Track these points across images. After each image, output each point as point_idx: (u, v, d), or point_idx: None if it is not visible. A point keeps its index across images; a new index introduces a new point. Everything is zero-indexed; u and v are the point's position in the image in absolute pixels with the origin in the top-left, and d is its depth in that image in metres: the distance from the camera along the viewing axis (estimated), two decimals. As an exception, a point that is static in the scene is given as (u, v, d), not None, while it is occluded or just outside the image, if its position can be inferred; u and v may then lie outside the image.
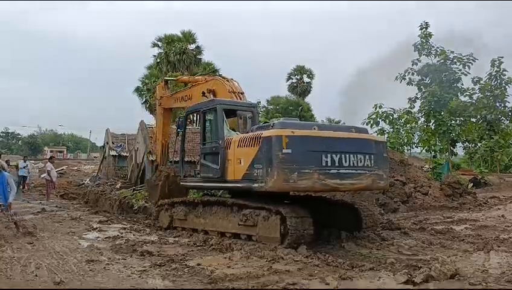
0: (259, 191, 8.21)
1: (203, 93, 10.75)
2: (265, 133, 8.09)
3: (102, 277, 6.01)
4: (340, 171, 8.08)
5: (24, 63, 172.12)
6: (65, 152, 77.29)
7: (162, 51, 42.27)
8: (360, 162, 8.31)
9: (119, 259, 7.23)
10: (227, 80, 10.91)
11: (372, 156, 8.48)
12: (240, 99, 10.46)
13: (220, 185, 9.56)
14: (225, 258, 7.33)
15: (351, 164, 8.20)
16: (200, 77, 12.01)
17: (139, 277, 6.07)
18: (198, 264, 6.74)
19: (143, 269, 6.49)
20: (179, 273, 6.27)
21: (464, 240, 8.71)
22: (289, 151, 7.72)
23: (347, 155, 8.15)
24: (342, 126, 11.00)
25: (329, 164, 7.98)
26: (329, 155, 7.98)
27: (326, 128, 8.81)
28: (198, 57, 42.87)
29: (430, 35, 26.90)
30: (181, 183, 11.00)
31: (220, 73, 11.54)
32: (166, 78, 15.26)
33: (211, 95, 10.59)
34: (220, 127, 9.40)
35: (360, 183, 8.35)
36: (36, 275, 6.07)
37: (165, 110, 13.56)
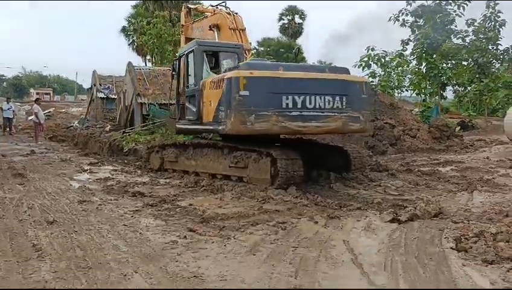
0: (222, 134, 8.44)
1: (210, 27, 10.59)
2: (228, 74, 7.99)
3: (95, 217, 6.11)
4: (303, 113, 7.87)
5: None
6: (51, 94, 76.07)
7: (149, -13, 40.63)
8: (328, 103, 8.04)
9: (111, 199, 7.32)
10: (229, 14, 10.50)
11: (344, 98, 8.17)
12: (240, 36, 10.14)
13: (198, 127, 9.60)
14: (216, 198, 7.47)
15: (317, 106, 7.95)
16: (210, 8, 11.53)
17: (132, 216, 6.18)
18: (190, 205, 6.85)
19: (135, 209, 6.59)
20: (171, 213, 6.39)
21: (449, 181, 8.93)
22: (246, 93, 7.63)
23: (312, 97, 7.90)
24: (314, 66, 10.41)
25: (290, 106, 7.80)
26: (290, 97, 7.78)
27: (294, 68, 8.49)
28: (189, -7, 41.27)
29: (426, -26, 26.16)
30: (176, 125, 11.00)
31: (228, 5, 10.94)
32: (189, 5, 14.66)
33: (215, 30, 10.36)
34: (198, 69, 9.37)
35: (327, 126, 8.11)
36: (29, 215, 6.14)
37: (187, 39, 13.26)
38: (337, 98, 8.11)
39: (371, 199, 7.17)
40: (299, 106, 7.85)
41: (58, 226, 5.59)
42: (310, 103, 7.90)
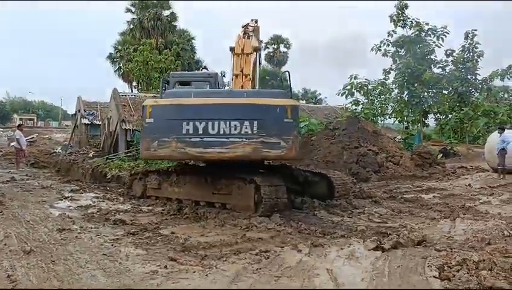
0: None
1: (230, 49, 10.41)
2: (144, 103, 8.42)
3: (74, 246, 5.94)
4: (205, 139, 7.84)
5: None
6: (35, 120, 75.27)
7: (136, 16, 41.06)
8: (235, 129, 7.81)
9: (91, 228, 7.15)
10: (243, 38, 10.21)
11: (256, 122, 7.80)
12: (245, 61, 9.84)
13: None
14: (199, 226, 7.37)
15: (221, 132, 7.82)
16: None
17: (112, 245, 6.03)
18: (172, 233, 6.74)
19: (116, 238, 6.44)
20: (152, 241, 6.27)
21: (431, 208, 8.97)
22: (151, 120, 8.08)
23: (215, 122, 7.82)
24: (231, 92, 9.56)
25: (190, 132, 7.88)
26: (191, 123, 7.88)
27: (209, 95, 8.55)
28: (173, 23, 41.85)
29: (406, 6, 26.91)
30: None
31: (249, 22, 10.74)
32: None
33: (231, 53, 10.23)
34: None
35: (233, 152, 7.84)
36: (5, 244, 5.94)
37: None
38: (246, 123, 7.82)
39: (354, 227, 7.15)
40: (200, 131, 7.88)
41: (35, 256, 5.42)
42: (213, 129, 7.85)
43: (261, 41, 13.25)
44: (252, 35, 10.45)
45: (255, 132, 7.80)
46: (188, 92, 8.72)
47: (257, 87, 9.99)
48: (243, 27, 10.89)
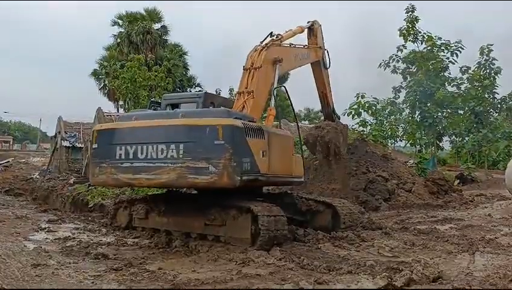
0: None
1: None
2: None
3: (49, 284, 5.86)
4: (134, 164, 7.99)
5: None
6: (11, 142, 75.28)
7: (123, 30, 41.57)
8: (161, 153, 7.76)
9: (70, 263, 7.07)
10: (256, 51, 9.98)
11: (182, 145, 7.66)
12: (252, 76, 9.63)
13: None
14: (190, 261, 7.29)
15: (148, 156, 7.86)
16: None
17: (92, 282, 5.96)
18: (160, 269, 6.66)
19: (97, 274, 6.36)
20: (137, 278, 6.19)
21: (448, 240, 8.90)
22: (96, 146, 8.63)
23: (144, 146, 7.90)
24: (168, 112, 9.23)
25: (122, 157, 8.06)
26: (123, 147, 8.06)
27: (149, 117, 8.68)
28: (164, 37, 42.36)
29: (416, 19, 27.32)
30: None
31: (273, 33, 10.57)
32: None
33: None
34: None
35: (158, 178, 7.81)
36: (-27, 282, 5.86)
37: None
38: (172, 146, 7.71)
39: (363, 261, 7.06)
40: (131, 156, 8.03)
41: (6, 294, 5.34)
42: (142, 153, 7.92)
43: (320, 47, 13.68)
44: (274, 45, 10.25)
45: (180, 156, 7.64)
46: (130, 116, 9.11)
47: (273, 106, 9.75)
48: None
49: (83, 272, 6.51)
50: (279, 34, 10.80)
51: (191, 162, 7.58)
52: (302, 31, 12.96)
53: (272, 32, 10.51)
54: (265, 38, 10.34)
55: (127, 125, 8.48)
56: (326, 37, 14.01)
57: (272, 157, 8.58)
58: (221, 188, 8.18)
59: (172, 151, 7.71)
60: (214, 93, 12.32)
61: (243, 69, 9.84)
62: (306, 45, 13.02)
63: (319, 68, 14.12)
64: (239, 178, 7.65)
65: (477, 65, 28.17)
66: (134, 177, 8.04)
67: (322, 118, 17.15)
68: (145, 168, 7.90)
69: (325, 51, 14.10)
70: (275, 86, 9.97)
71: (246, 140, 7.91)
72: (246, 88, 9.58)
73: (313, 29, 13.51)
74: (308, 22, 13.27)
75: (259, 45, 10.11)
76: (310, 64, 13.58)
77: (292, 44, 11.61)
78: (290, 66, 11.47)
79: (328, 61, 14.33)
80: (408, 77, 27.60)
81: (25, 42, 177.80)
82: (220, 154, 7.50)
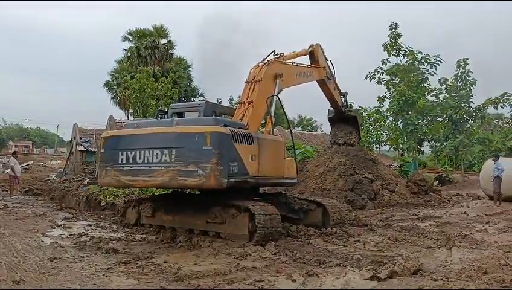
0: None
1: None
2: None
3: (64, 275, 5.83)
4: (133, 168, 8.26)
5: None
6: (31, 147, 75.16)
7: (133, 45, 41.57)
8: (156, 157, 8.00)
9: (83, 257, 7.04)
10: (258, 66, 10.02)
11: (174, 150, 7.83)
12: (253, 88, 9.66)
13: None
14: (193, 255, 7.27)
15: (145, 160, 8.13)
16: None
17: (103, 274, 5.92)
18: (165, 262, 6.64)
19: (107, 267, 6.33)
20: (144, 270, 6.16)
21: (427, 236, 8.90)
22: (103, 150, 8.90)
23: (142, 151, 8.17)
24: (164, 121, 9.42)
25: (124, 161, 8.36)
26: (125, 153, 8.35)
27: (150, 125, 8.89)
28: (171, 52, 42.36)
29: (399, 35, 27.44)
30: None
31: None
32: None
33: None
34: None
35: (154, 180, 8.04)
36: (-6, 274, 5.83)
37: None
38: (166, 151, 7.92)
39: (350, 255, 7.06)
40: (131, 160, 8.30)
41: (25, 286, 5.31)
42: (140, 158, 8.21)
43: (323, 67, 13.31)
44: (276, 62, 10.25)
45: (172, 160, 7.84)
46: (133, 124, 9.48)
47: (272, 117, 9.80)
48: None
49: (95, 265, 6.48)
50: (282, 53, 10.76)
51: (182, 165, 7.74)
52: (306, 54, 12.74)
53: (274, 50, 10.49)
54: (268, 56, 10.33)
55: (129, 132, 8.76)
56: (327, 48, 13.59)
57: (262, 161, 8.63)
58: (209, 190, 8.43)
59: (166, 156, 7.92)
60: (215, 102, 12.27)
61: (245, 82, 9.88)
62: (309, 65, 12.78)
63: (325, 83, 13.86)
64: (226, 180, 7.73)
65: (454, 77, 28.33)
66: (133, 179, 8.29)
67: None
68: (143, 171, 8.15)
69: (329, 62, 13.70)
70: (271, 99, 9.93)
71: (234, 145, 8.00)
72: (247, 99, 9.63)
73: (313, 55, 13.01)
74: (309, 47, 12.80)
75: (261, 62, 10.14)
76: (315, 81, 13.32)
77: (295, 63, 11.48)
78: (292, 81, 11.18)
79: (332, 72, 13.99)
80: (392, 88, 27.65)
81: (42, 56, 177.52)
82: (208, 159, 7.62)
